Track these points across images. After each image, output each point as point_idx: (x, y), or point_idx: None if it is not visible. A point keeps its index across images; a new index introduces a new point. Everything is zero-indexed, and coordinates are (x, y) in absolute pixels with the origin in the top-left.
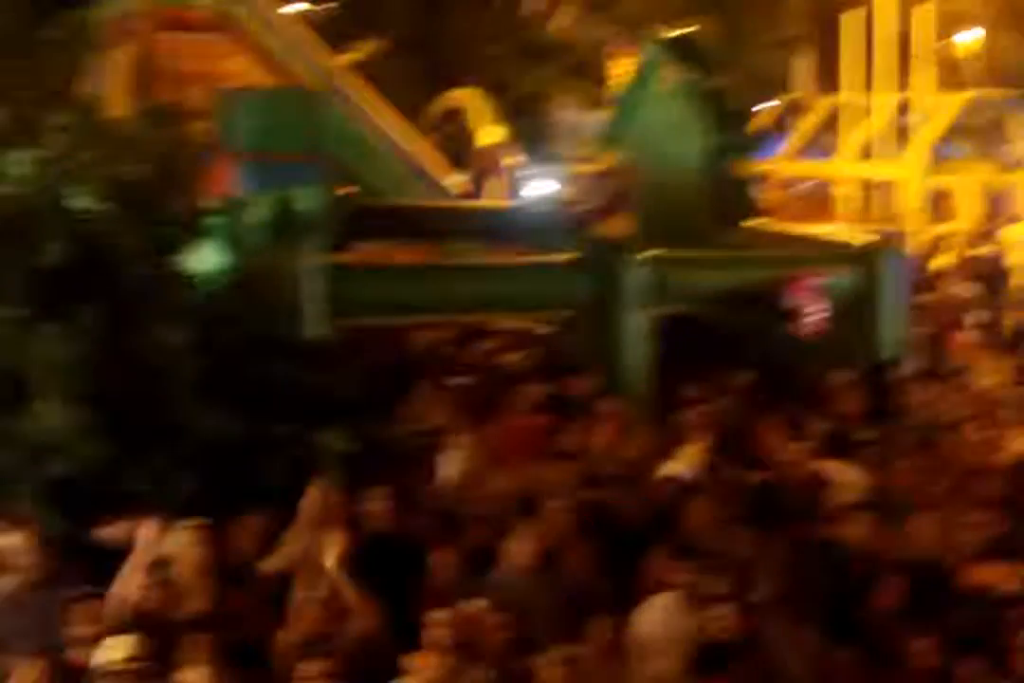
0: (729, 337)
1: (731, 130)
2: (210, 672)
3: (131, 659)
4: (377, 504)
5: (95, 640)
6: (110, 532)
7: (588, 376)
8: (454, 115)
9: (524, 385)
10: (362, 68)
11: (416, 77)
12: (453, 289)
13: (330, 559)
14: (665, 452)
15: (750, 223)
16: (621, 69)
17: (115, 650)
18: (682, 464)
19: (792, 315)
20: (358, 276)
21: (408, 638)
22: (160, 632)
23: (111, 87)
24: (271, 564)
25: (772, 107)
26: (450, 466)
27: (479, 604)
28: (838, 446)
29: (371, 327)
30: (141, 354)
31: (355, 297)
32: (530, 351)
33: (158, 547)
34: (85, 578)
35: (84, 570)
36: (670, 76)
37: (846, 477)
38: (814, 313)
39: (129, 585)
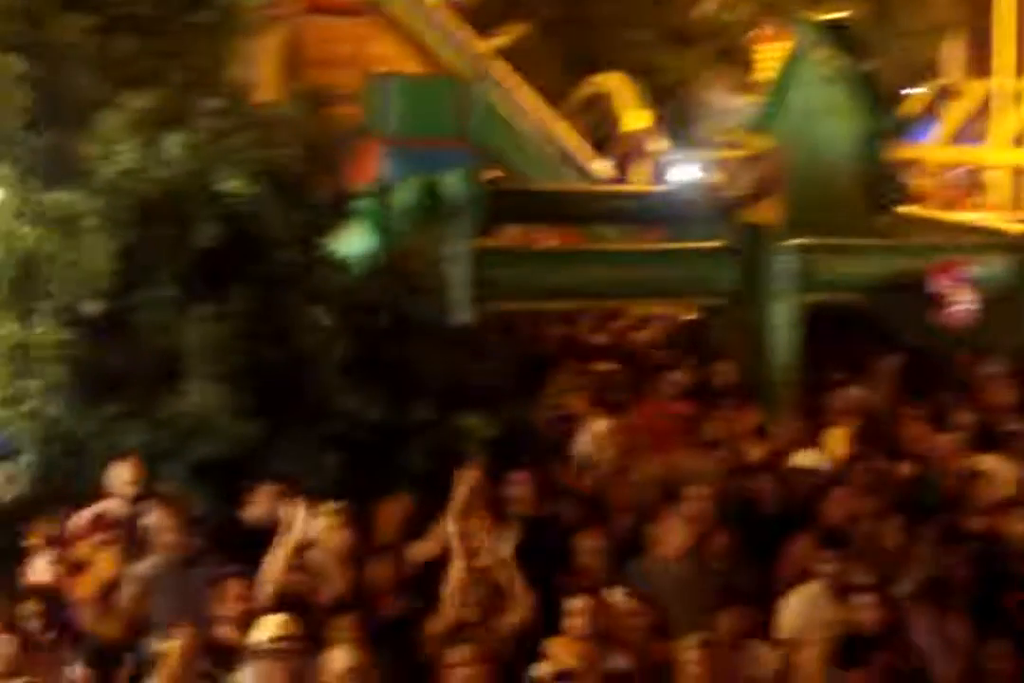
0: (876, 325)
1: (883, 115)
2: (355, 653)
3: (281, 638)
4: (520, 489)
5: (242, 619)
6: (254, 512)
7: (732, 363)
8: (598, 100)
9: (667, 372)
10: (508, 53)
11: (561, 62)
12: (598, 274)
13: (506, 550)
14: (809, 440)
15: (901, 210)
16: (768, 54)
17: (266, 629)
18: (826, 452)
19: (939, 304)
20: (504, 260)
21: (550, 623)
22: (306, 613)
23: (261, 71)
24: (423, 549)
25: (923, 93)
26: (593, 452)
27: (622, 592)
28: (986, 438)
29: (516, 312)
30: (291, 336)
31: (500, 281)
32: (674, 338)
33: (304, 529)
34: (231, 557)
35: (230, 549)
36: (822, 61)
37: (999, 471)
38: (962, 303)
39: (275, 566)
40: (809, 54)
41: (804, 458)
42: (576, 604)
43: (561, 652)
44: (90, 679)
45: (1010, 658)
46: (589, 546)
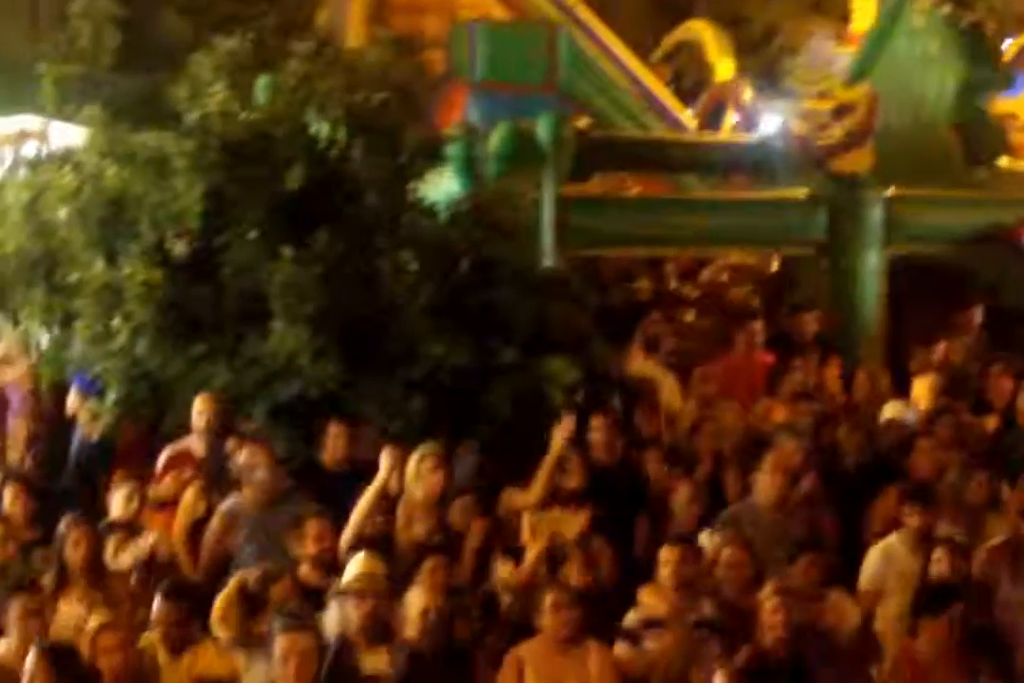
0: (964, 280)
1: (985, 66)
2: (433, 596)
3: (365, 578)
4: (601, 434)
5: (322, 559)
6: (334, 454)
7: (817, 314)
8: (686, 48)
9: (751, 321)
10: (595, 0)
11: (650, 9)
12: (685, 221)
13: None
14: (895, 392)
15: (998, 163)
16: (866, 3)
17: (351, 569)
18: (912, 405)
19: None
20: (592, 207)
21: (633, 570)
22: (391, 555)
23: (349, 16)
24: (522, 499)
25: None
26: (674, 401)
27: (715, 540)
28: None
29: (602, 259)
30: (377, 279)
31: (589, 228)
32: (760, 287)
33: (393, 471)
34: (314, 497)
35: (314, 489)
36: (923, 10)
37: None
38: None
39: (364, 507)
40: (909, 4)
41: (891, 410)
42: (666, 553)
43: (651, 600)
44: (171, 614)
45: None
46: (680, 496)
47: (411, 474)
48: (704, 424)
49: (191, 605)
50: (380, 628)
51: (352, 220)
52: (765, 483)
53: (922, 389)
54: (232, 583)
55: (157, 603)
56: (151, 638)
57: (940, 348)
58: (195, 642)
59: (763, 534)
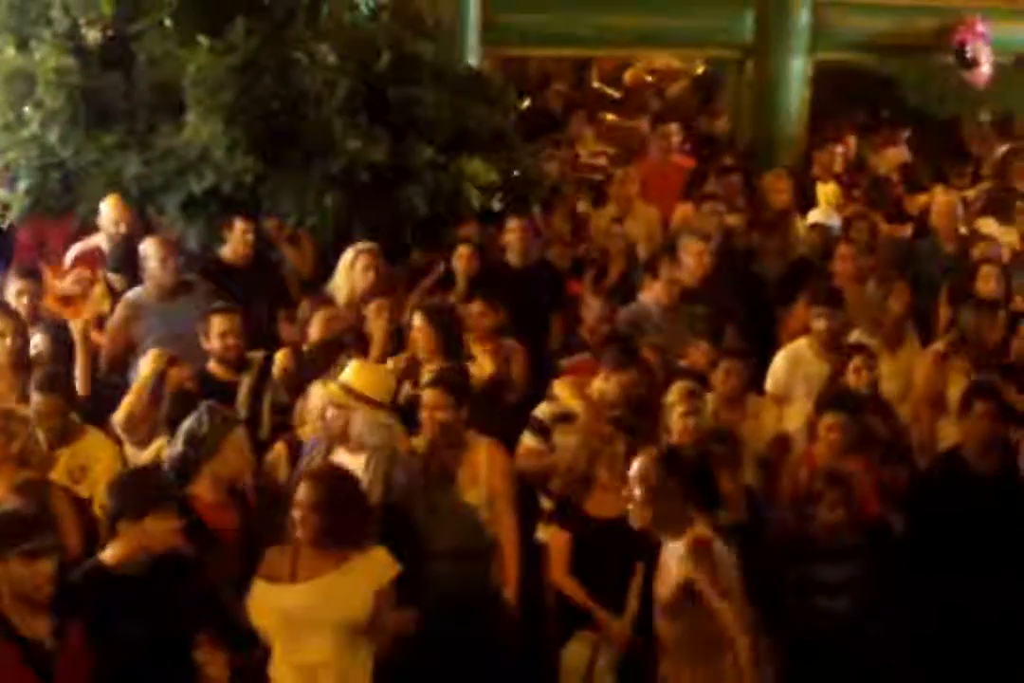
0: (885, 85)
1: None
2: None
3: None
4: (516, 236)
5: (231, 355)
6: (236, 250)
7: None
8: None
9: (668, 124)
10: None
11: None
12: (614, 22)
13: None
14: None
15: None
16: None
17: None
18: (825, 211)
19: (964, 63)
20: (518, 5)
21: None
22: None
23: None
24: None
25: None
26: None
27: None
28: (995, 204)
29: (527, 58)
30: (294, 71)
31: (514, 27)
32: (682, 90)
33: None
34: (219, 293)
35: (214, 284)
36: None
37: (997, 235)
38: (985, 62)
39: None
40: None
41: (815, 214)
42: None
43: (564, 394)
44: (47, 405)
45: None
46: (590, 302)
47: (343, 269)
48: (614, 227)
49: (67, 395)
50: None
51: (270, 10)
52: (665, 283)
53: (828, 194)
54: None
55: (34, 397)
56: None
57: (837, 151)
58: (75, 432)
59: (662, 331)
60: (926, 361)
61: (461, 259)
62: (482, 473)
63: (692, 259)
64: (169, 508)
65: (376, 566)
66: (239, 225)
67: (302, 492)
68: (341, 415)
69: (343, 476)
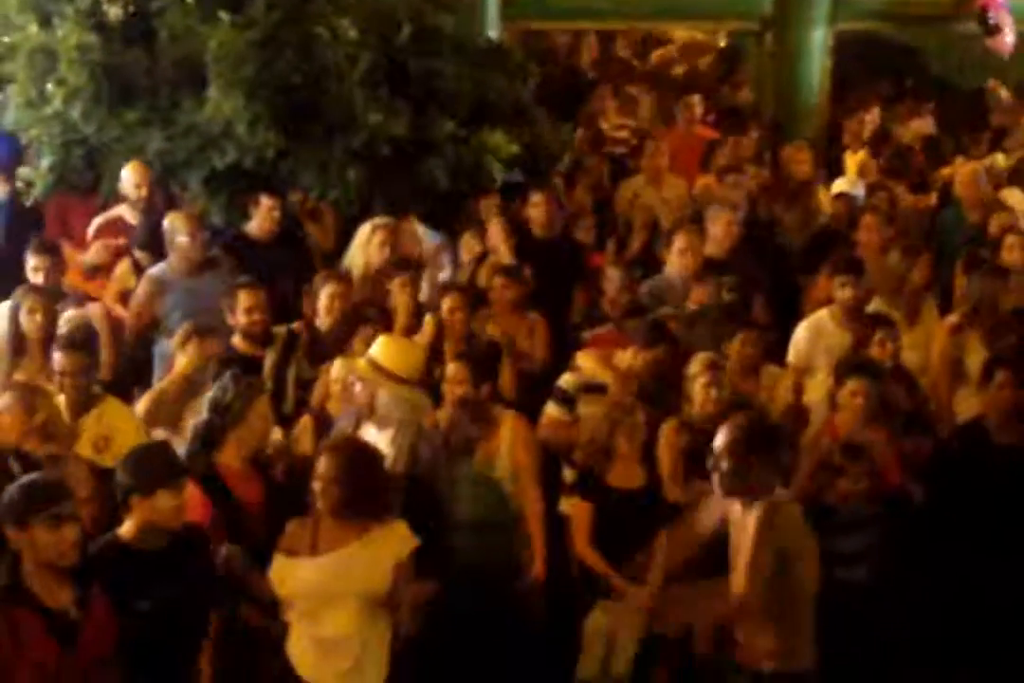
0: (908, 55)
1: None
2: None
3: None
4: (539, 210)
5: (256, 330)
6: (262, 226)
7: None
8: None
9: (690, 96)
10: None
11: None
12: None
13: None
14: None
15: None
16: None
17: None
18: (851, 181)
19: (989, 31)
20: None
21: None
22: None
23: None
24: None
25: None
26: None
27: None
28: (1020, 174)
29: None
30: (315, 46)
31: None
32: (705, 62)
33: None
34: (244, 268)
35: (243, 260)
36: None
37: (1021, 205)
38: (1008, 30)
39: None
40: None
41: (840, 184)
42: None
43: (588, 365)
44: (71, 364)
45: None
46: (610, 273)
47: (359, 243)
48: (638, 198)
49: (89, 356)
50: None
51: None
52: (688, 253)
53: (858, 161)
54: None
55: (56, 356)
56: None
57: (866, 119)
58: (97, 398)
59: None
60: (942, 332)
61: (498, 231)
62: (505, 446)
63: (720, 229)
64: (179, 485)
65: (396, 539)
66: (265, 201)
67: (322, 464)
68: (367, 390)
69: (362, 448)
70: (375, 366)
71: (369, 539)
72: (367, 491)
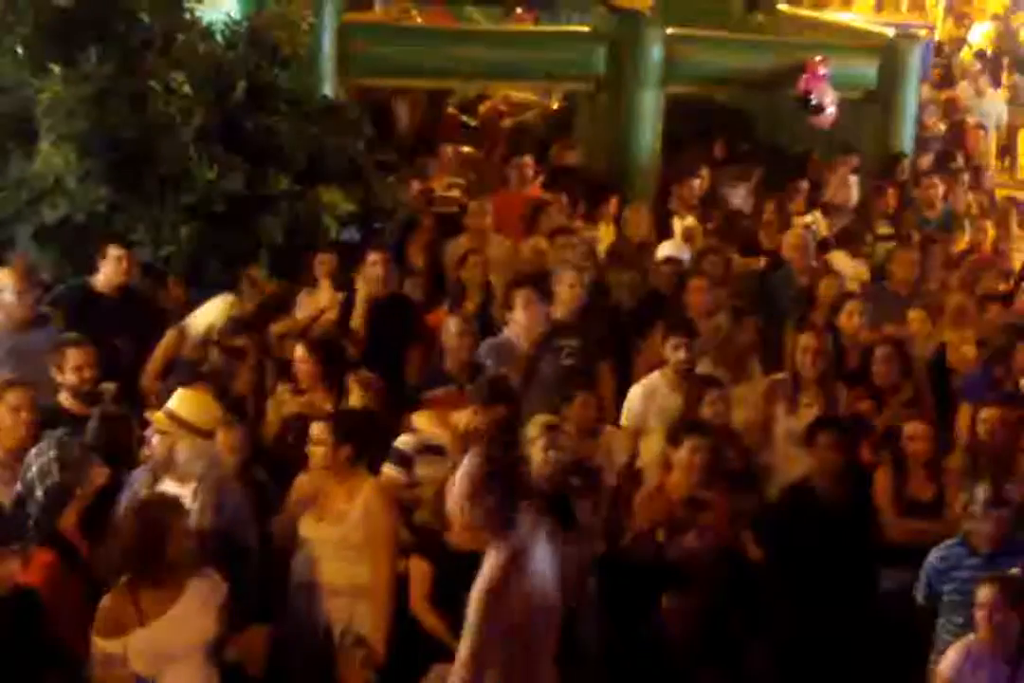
0: (737, 121)
1: None
2: None
3: None
4: (377, 269)
5: (84, 389)
6: (111, 279)
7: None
8: None
9: (523, 156)
10: None
11: None
12: (467, 53)
13: None
14: (663, 231)
15: (777, 7)
16: None
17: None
18: (677, 244)
19: (815, 110)
20: (374, 35)
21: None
22: None
23: None
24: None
25: None
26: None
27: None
28: (847, 237)
29: (382, 89)
30: (148, 100)
31: (370, 57)
32: (537, 121)
33: None
34: (75, 325)
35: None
36: None
37: (847, 268)
38: (828, 103)
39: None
40: None
41: (667, 247)
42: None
43: (425, 425)
44: None
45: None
46: (449, 329)
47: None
48: (472, 256)
49: None
50: None
51: (124, 39)
52: (527, 319)
53: (687, 226)
54: None
55: None
56: None
57: (695, 184)
58: None
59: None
60: (757, 392)
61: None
62: (358, 511)
63: (566, 291)
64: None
65: (212, 584)
66: (113, 252)
67: (125, 528)
68: (166, 443)
69: (157, 508)
70: (173, 417)
71: (190, 594)
72: (170, 553)
